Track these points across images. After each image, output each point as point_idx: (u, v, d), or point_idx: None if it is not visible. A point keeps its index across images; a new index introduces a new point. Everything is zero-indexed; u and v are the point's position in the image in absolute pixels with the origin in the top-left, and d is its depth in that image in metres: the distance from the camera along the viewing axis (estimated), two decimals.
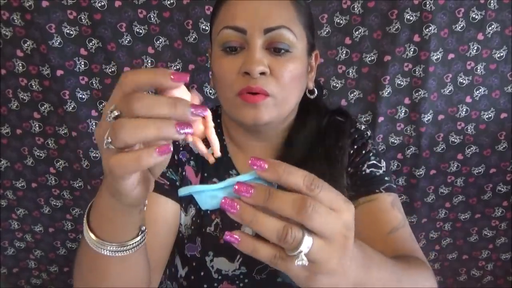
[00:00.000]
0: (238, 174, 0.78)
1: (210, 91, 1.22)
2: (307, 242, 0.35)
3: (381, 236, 0.67)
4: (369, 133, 0.83)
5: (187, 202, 0.78)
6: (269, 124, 0.70)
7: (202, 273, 0.76)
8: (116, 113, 0.37)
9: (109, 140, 0.36)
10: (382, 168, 0.77)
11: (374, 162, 0.77)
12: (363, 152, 0.78)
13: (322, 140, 0.78)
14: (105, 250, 0.46)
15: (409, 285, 0.50)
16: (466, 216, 1.36)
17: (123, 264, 0.49)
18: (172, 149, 0.37)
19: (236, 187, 0.36)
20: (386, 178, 0.75)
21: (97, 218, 0.46)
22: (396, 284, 0.47)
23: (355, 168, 0.77)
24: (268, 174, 0.36)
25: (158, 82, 0.38)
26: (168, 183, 0.74)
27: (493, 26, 1.14)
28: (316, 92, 0.79)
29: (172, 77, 0.37)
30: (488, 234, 1.38)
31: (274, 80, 0.67)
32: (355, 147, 0.78)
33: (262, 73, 0.66)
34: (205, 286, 0.76)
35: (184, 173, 0.78)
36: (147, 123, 0.36)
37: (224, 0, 0.70)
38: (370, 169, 0.76)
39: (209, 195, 0.38)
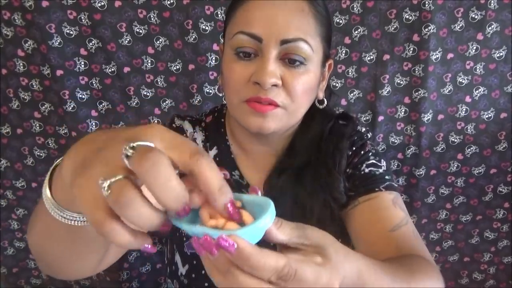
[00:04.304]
0: (240, 175, 0.78)
1: (210, 91, 1.22)
2: None
3: (383, 234, 0.66)
4: (369, 135, 0.82)
5: None
6: (274, 133, 0.70)
7: (203, 272, 0.75)
8: (107, 192, 0.32)
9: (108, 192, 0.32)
10: (382, 167, 0.76)
11: (374, 161, 0.76)
12: (362, 152, 0.77)
13: (323, 147, 0.77)
14: (58, 215, 0.41)
15: None
16: (468, 218, 1.35)
17: (76, 233, 0.45)
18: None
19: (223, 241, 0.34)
20: (386, 177, 0.74)
21: (58, 180, 0.41)
22: None
23: (354, 168, 0.76)
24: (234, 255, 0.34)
25: (213, 195, 0.34)
26: None
27: (492, 26, 1.14)
28: (326, 102, 0.77)
29: (228, 203, 0.35)
30: (490, 236, 1.37)
31: (285, 92, 0.66)
32: (354, 148, 0.78)
33: (274, 85, 0.64)
34: (206, 285, 0.75)
35: None
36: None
37: (243, 0, 0.67)
38: (369, 169, 0.75)
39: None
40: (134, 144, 0.32)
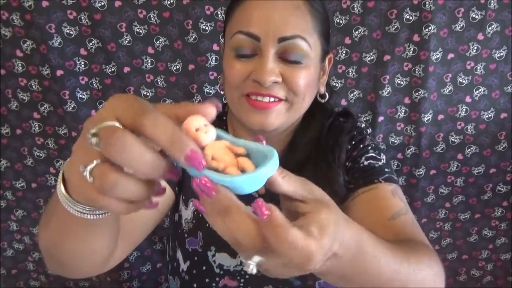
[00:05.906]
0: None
1: (210, 91, 1.21)
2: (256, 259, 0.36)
3: (381, 222, 0.66)
4: (369, 130, 0.83)
5: (188, 196, 0.78)
6: (276, 130, 0.70)
7: (204, 268, 0.76)
8: (94, 141, 0.33)
9: (91, 179, 0.34)
10: (382, 160, 0.76)
11: (373, 154, 0.77)
12: (361, 146, 0.78)
13: (323, 142, 0.78)
14: (72, 209, 0.41)
15: (411, 275, 0.50)
16: (466, 216, 1.35)
17: (89, 227, 0.46)
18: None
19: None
20: (386, 170, 0.74)
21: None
22: (395, 275, 0.47)
23: (353, 161, 0.77)
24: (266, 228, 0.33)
25: (168, 151, 0.33)
26: None
27: (493, 26, 1.14)
28: (328, 97, 0.78)
29: (188, 154, 0.33)
30: (488, 234, 1.38)
31: (287, 88, 0.67)
32: (353, 142, 0.79)
33: (274, 82, 0.65)
34: (207, 280, 0.76)
35: None
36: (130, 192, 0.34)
37: (241, 0, 0.69)
38: (368, 161, 0.75)
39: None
40: (94, 131, 0.33)
